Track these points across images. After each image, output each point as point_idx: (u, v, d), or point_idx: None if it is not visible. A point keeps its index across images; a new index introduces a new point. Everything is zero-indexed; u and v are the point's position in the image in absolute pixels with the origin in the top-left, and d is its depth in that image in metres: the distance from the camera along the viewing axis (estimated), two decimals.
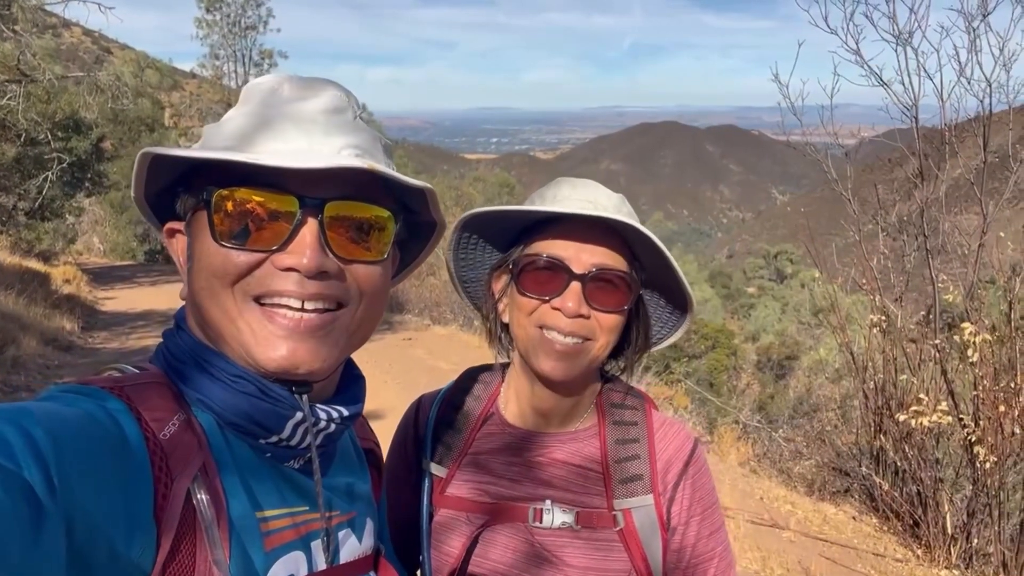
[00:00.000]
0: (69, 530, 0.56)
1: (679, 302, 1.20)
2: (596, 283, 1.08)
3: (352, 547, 0.89)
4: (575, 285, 1.07)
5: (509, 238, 1.19)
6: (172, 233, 0.85)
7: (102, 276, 20.14)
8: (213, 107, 30.67)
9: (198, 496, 0.69)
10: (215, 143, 0.79)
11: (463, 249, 1.22)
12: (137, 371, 0.77)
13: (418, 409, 1.30)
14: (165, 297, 16.59)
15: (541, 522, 1.12)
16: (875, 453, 5.95)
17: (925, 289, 6.08)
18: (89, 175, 21.00)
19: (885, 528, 5.60)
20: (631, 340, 1.19)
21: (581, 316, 1.07)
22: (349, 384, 0.90)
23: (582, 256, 1.08)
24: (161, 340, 0.84)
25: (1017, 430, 4.44)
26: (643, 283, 1.15)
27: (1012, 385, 4.43)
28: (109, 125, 25.06)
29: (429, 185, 0.84)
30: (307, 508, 0.81)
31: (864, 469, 6.12)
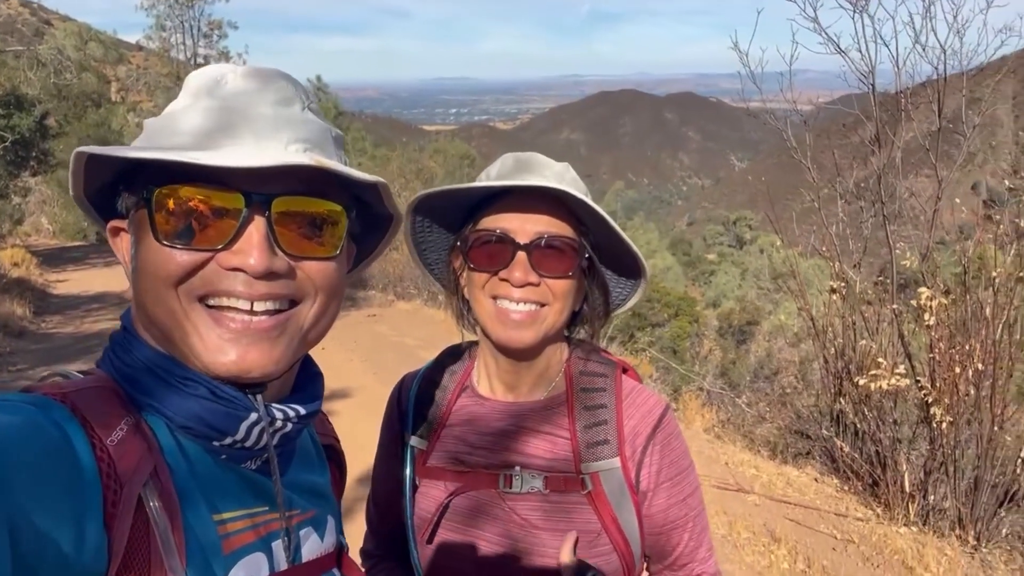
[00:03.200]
0: (14, 538, 0.54)
1: (632, 266, 1.23)
2: (541, 251, 1.12)
3: (314, 545, 0.87)
4: (521, 255, 1.11)
5: (461, 217, 1.21)
6: (116, 231, 0.81)
7: (52, 258, 19.53)
8: (161, 80, 29.68)
9: (151, 503, 0.67)
10: (157, 140, 0.75)
11: (420, 233, 1.25)
12: (82, 376, 0.74)
13: (401, 386, 1.36)
14: (120, 279, 16.17)
15: (511, 487, 1.16)
16: (835, 416, 6.10)
17: (879, 252, 6.21)
18: (34, 153, 20.24)
19: (846, 488, 5.76)
20: (590, 305, 1.22)
21: (531, 284, 1.11)
22: (306, 382, 0.88)
23: (526, 226, 1.12)
24: (107, 343, 0.80)
25: (971, 391, 4.58)
26: (594, 248, 1.17)
27: (966, 347, 4.55)
28: (53, 101, 24.12)
29: (381, 179, 0.81)
30: (267, 508, 0.80)
31: (824, 431, 6.28)
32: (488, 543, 1.17)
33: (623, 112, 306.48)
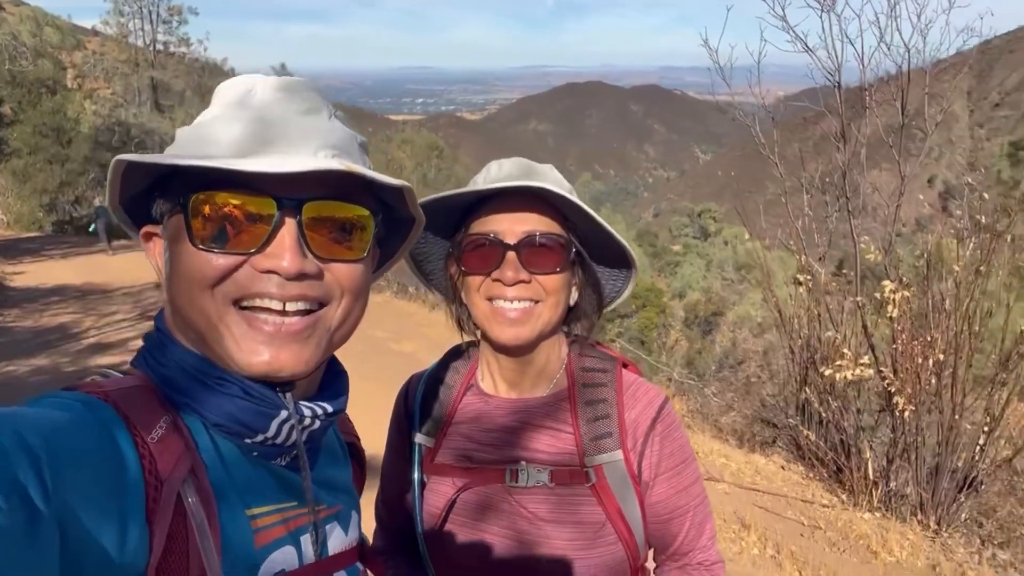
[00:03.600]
0: (63, 534, 0.56)
1: (621, 259, 1.27)
2: (529, 249, 1.16)
3: (339, 539, 0.91)
4: (510, 255, 1.14)
5: (453, 223, 1.25)
6: (148, 237, 0.84)
7: (8, 250, 19.00)
8: (119, 67, 28.98)
9: (188, 498, 0.69)
10: (190, 148, 0.77)
11: (416, 245, 1.27)
12: (120, 376, 0.77)
13: (408, 386, 1.39)
14: (78, 270, 15.83)
15: (518, 482, 1.19)
16: (800, 405, 6.26)
17: (839, 244, 6.37)
18: None
19: (811, 475, 5.92)
20: (585, 300, 1.26)
21: (522, 281, 1.15)
22: (332, 380, 0.91)
23: (514, 227, 1.16)
24: (142, 343, 0.83)
25: (933, 380, 4.73)
26: (582, 243, 1.22)
27: (928, 339, 4.70)
28: (7, 88, 23.41)
29: (407, 184, 0.84)
30: (295, 503, 0.83)
31: (790, 420, 6.44)
32: (496, 537, 1.20)
33: (589, 104, 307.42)
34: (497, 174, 1.20)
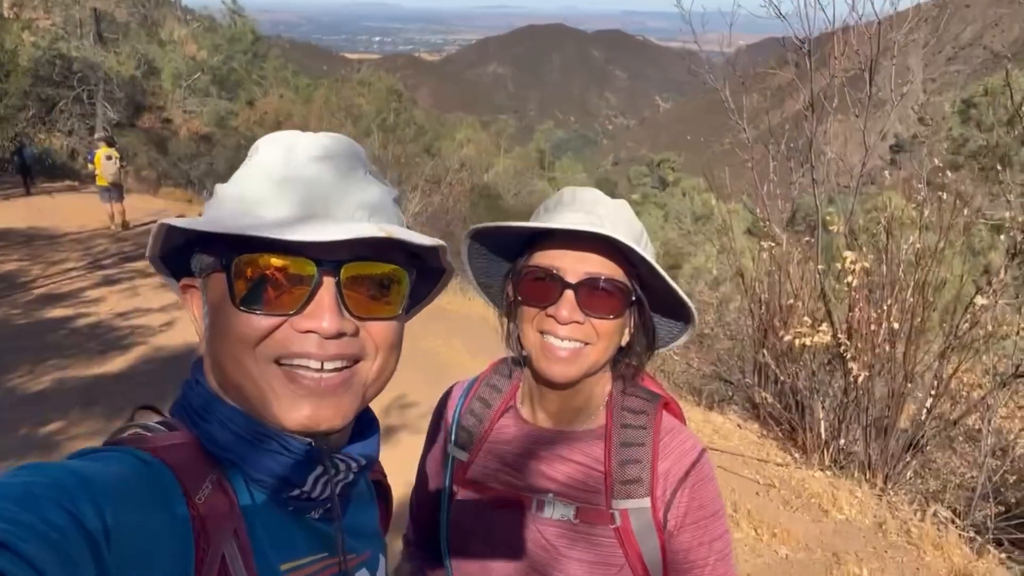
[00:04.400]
0: None
1: (680, 312, 1.25)
2: (589, 291, 1.14)
3: None
4: (568, 294, 1.14)
5: (518, 247, 1.25)
6: (186, 289, 0.86)
7: None
8: None
9: (232, 558, 0.72)
10: (229, 206, 0.80)
11: (475, 258, 1.29)
12: (164, 429, 0.79)
13: (448, 395, 1.43)
14: (22, 213, 15.20)
15: (543, 512, 1.21)
16: (758, 365, 6.46)
17: (790, 196, 6.48)
18: None
19: (766, 434, 6.15)
20: (636, 342, 1.25)
21: (576, 322, 1.14)
22: (363, 430, 0.93)
23: (577, 266, 1.14)
24: (180, 393, 0.85)
25: (887, 347, 4.93)
26: (643, 289, 1.20)
27: (884, 307, 4.87)
28: None
29: (442, 243, 0.87)
30: (327, 555, 0.85)
31: (747, 380, 6.65)
32: (515, 562, 1.23)
33: (550, 47, 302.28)
34: (569, 207, 1.19)
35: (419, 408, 5.95)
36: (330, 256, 0.76)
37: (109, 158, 13.47)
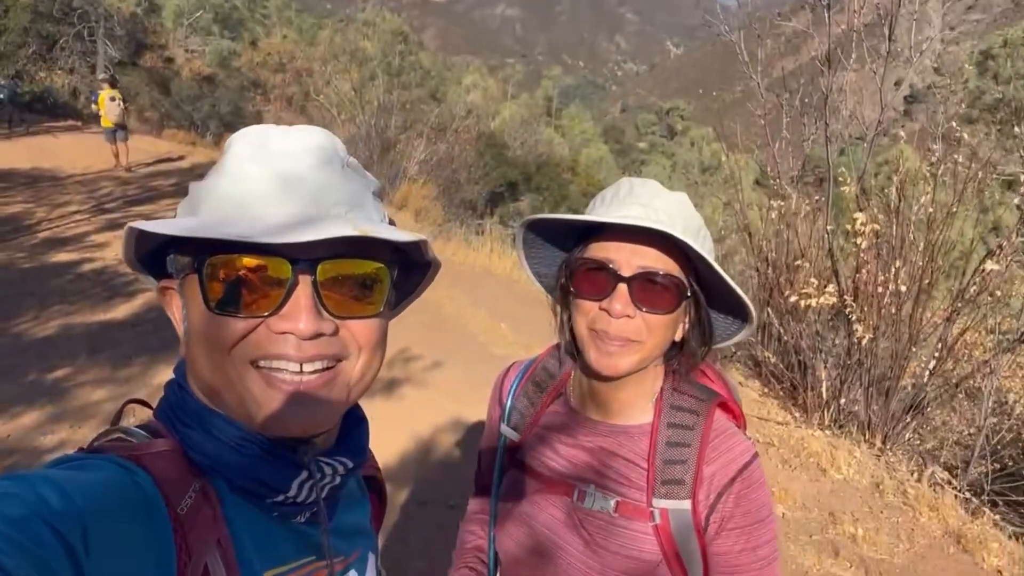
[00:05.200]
0: None
1: (738, 309, 1.22)
2: (643, 285, 1.12)
3: None
4: (622, 287, 1.12)
5: (574, 237, 1.23)
6: (165, 290, 0.83)
7: None
8: None
9: (214, 568, 0.70)
10: (205, 205, 0.77)
11: (530, 246, 1.28)
12: (146, 436, 0.77)
13: (506, 375, 1.44)
14: (25, 153, 15.04)
15: (583, 502, 1.22)
16: (762, 324, 6.46)
17: (801, 151, 6.37)
18: None
19: (767, 392, 6.19)
20: (691, 338, 1.22)
21: (628, 316, 1.12)
22: (350, 429, 0.90)
23: (632, 259, 1.12)
24: (163, 396, 0.83)
25: (893, 309, 4.91)
26: (700, 285, 1.18)
27: (893, 270, 4.83)
28: None
29: (423, 237, 0.83)
30: (313, 558, 0.84)
31: (750, 338, 6.66)
32: (553, 548, 1.24)
33: None
34: (626, 199, 1.16)
35: (422, 361, 5.98)
36: (306, 255, 0.73)
37: (113, 99, 13.52)
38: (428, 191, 13.04)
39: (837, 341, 5.84)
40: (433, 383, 5.63)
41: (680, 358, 1.24)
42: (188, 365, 0.81)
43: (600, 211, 1.18)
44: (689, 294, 1.16)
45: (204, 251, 0.73)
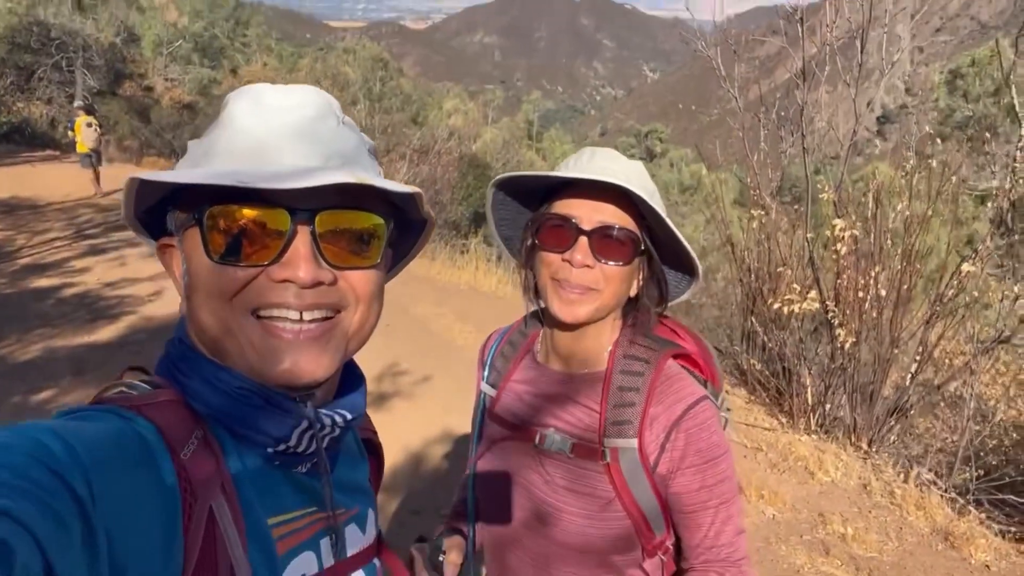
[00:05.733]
0: (108, 543, 0.58)
1: (686, 264, 1.33)
2: (601, 238, 1.23)
3: (356, 539, 0.94)
4: (583, 240, 1.22)
5: (538, 198, 1.34)
6: (164, 249, 0.85)
7: None
8: None
9: (219, 512, 0.71)
10: (202, 161, 0.79)
11: (499, 208, 1.39)
12: (149, 388, 0.78)
13: (488, 340, 1.57)
14: (3, 182, 14.91)
15: (543, 445, 1.32)
16: (746, 332, 6.54)
17: (779, 165, 6.50)
18: None
19: (753, 399, 6.25)
20: (646, 294, 1.33)
21: (587, 267, 1.23)
22: (350, 385, 0.93)
23: (592, 215, 1.23)
24: (164, 351, 0.84)
25: (874, 313, 5.00)
26: (653, 243, 1.29)
27: (872, 274, 4.93)
28: None
29: (418, 189, 0.85)
30: (315, 509, 0.85)
31: (736, 347, 6.73)
32: (520, 489, 1.36)
33: (538, 16, 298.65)
34: (588, 163, 1.27)
35: (411, 376, 5.99)
36: (304, 205, 0.75)
37: (89, 125, 13.76)
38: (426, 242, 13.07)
39: (820, 348, 5.92)
40: (422, 396, 5.63)
41: (636, 313, 1.35)
42: (189, 319, 0.82)
43: (564, 172, 1.28)
44: (643, 248, 1.27)
45: (204, 203, 0.75)
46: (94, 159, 13.93)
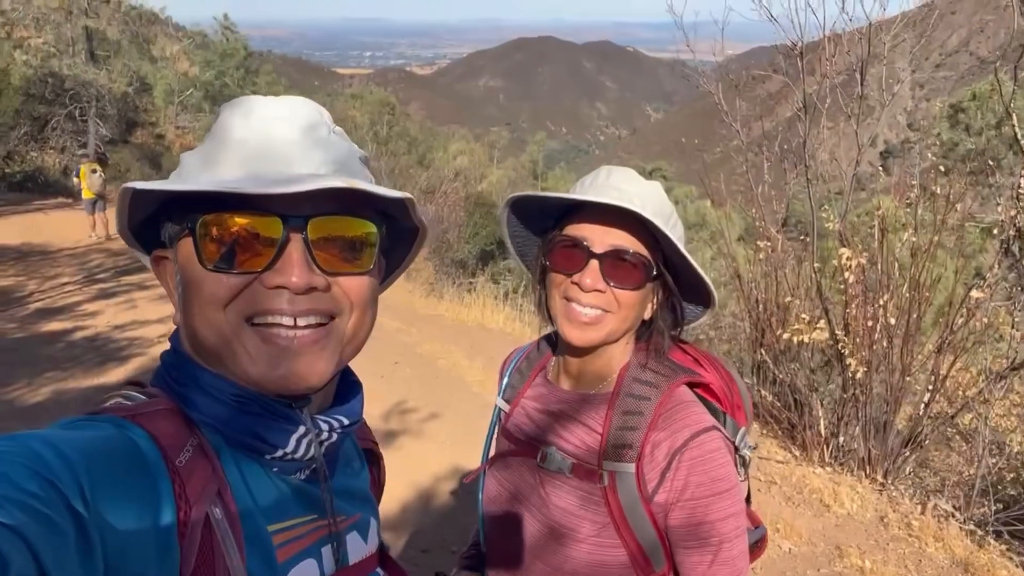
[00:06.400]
0: (103, 550, 0.58)
1: (702, 294, 1.30)
2: (613, 261, 1.21)
3: (358, 547, 0.93)
4: (594, 263, 1.21)
5: (553, 218, 1.33)
6: (159, 261, 0.86)
7: None
8: (51, 15, 27.36)
9: (216, 519, 0.71)
10: (195, 172, 0.80)
11: (514, 225, 1.38)
12: (144, 398, 0.78)
13: (508, 356, 1.58)
14: (15, 229, 15.06)
15: (545, 463, 1.31)
16: (756, 365, 6.49)
17: (782, 199, 6.53)
18: None
19: (766, 432, 6.17)
20: (659, 319, 1.32)
21: (598, 291, 1.21)
22: (346, 391, 0.93)
23: (604, 238, 1.22)
24: (159, 363, 0.85)
25: (884, 343, 4.97)
26: (668, 268, 1.27)
27: (880, 303, 4.92)
28: None
29: (408, 195, 0.86)
30: (315, 516, 0.84)
31: (746, 380, 6.68)
32: (520, 506, 1.35)
33: (541, 60, 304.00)
34: (604, 183, 1.26)
35: (419, 413, 5.96)
36: (297, 211, 0.76)
37: (94, 171, 14.18)
38: (420, 251, 13.18)
39: (832, 379, 5.87)
40: (431, 434, 5.60)
41: (649, 336, 1.33)
42: (183, 330, 0.83)
43: (578, 193, 1.26)
44: (656, 274, 1.25)
45: (197, 212, 0.76)
46: (99, 205, 14.32)
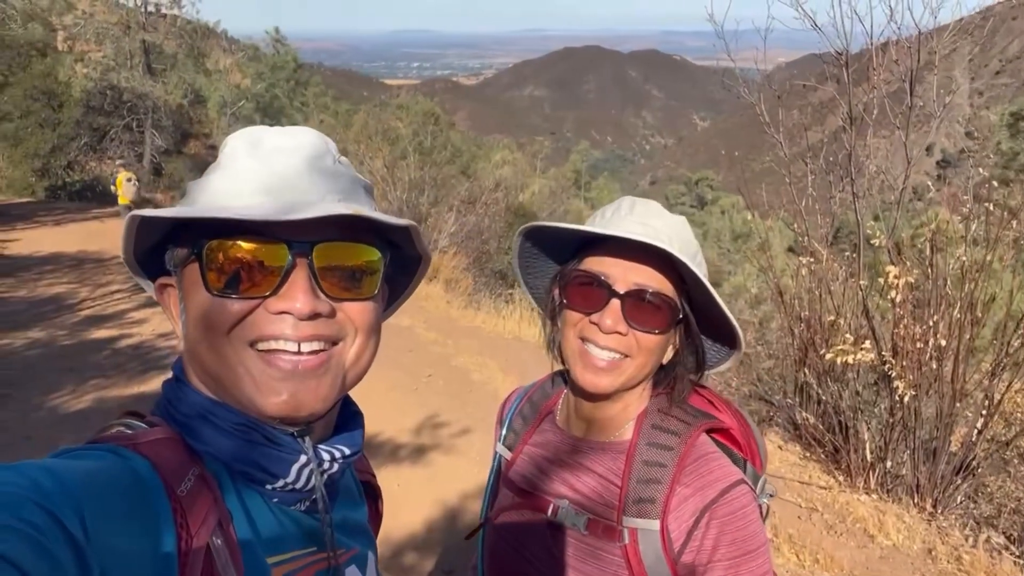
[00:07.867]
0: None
1: (727, 334, 1.20)
2: (635, 302, 1.11)
3: None
4: (615, 303, 1.11)
5: (570, 250, 1.23)
6: (163, 288, 0.87)
7: (0, 216, 18.80)
8: (110, 29, 28.39)
9: (217, 551, 0.71)
10: (202, 199, 0.80)
11: (526, 256, 1.28)
12: (146, 427, 0.78)
13: (507, 398, 1.48)
14: (73, 237, 15.70)
15: (557, 519, 1.20)
16: (799, 385, 6.27)
17: (836, 213, 6.30)
18: None
19: (808, 455, 5.95)
20: (681, 363, 1.21)
21: (618, 333, 1.11)
22: (347, 421, 0.93)
23: (627, 275, 1.12)
24: (161, 392, 0.86)
25: (934, 365, 4.74)
26: (692, 308, 1.17)
27: (930, 323, 4.69)
28: None
29: (412, 223, 0.86)
30: (315, 548, 0.84)
31: (788, 400, 6.46)
32: (526, 563, 1.23)
33: (587, 69, 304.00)
34: (627, 216, 1.15)
35: (450, 428, 5.91)
36: (302, 238, 0.77)
37: (129, 180, 15.40)
38: (459, 261, 13.22)
39: (879, 401, 5.63)
40: (461, 450, 5.54)
41: (669, 382, 1.22)
42: (187, 356, 0.83)
43: (599, 225, 1.17)
44: (681, 316, 1.15)
45: (204, 238, 0.77)
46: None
